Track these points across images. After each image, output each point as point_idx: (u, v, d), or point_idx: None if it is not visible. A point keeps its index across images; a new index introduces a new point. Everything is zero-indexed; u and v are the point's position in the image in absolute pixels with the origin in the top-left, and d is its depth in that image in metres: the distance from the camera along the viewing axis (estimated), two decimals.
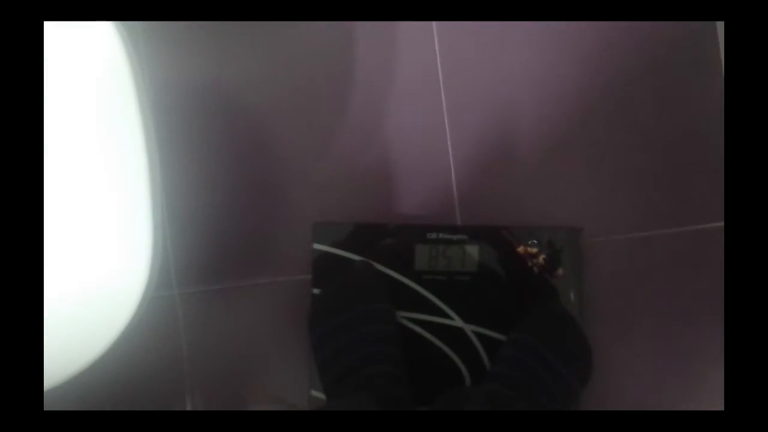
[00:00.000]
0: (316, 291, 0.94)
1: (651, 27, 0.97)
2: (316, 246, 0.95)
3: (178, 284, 0.97)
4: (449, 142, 0.97)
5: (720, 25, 0.97)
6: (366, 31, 0.98)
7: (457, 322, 0.94)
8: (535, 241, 0.94)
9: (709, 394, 0.96)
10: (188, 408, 0.96)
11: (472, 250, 0.94)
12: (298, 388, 0.96)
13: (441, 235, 0.94)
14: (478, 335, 0.94)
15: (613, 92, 0.97)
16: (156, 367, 0.96)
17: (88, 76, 0.63)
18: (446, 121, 0.97)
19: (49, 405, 0.57)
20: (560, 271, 0.94)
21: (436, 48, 0.98)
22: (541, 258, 0.94)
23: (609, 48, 0.98)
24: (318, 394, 0.94)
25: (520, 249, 0.94)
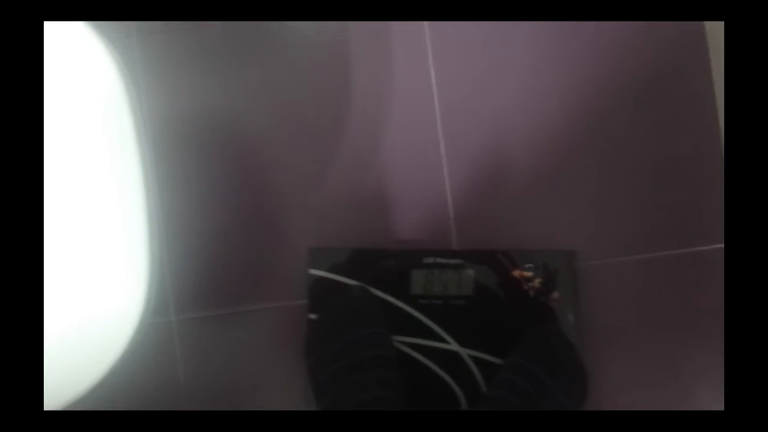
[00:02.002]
0: (312, 316, 0.95)
1: (643, 46, 0.98)
2: (313, 271, 0.95)
3: (175, 310, 0.97)
4: (445, 167, 0.98)
5: (710, 33, 0.98)
6: (360, 57, 0.99)
7: (453, 346, 0.94)
8: (531, 265, 0.94)
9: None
10: None
11: (468, 274, 0.94)
12: None
13: (437, 260, 0.95)
14: (474, 359, 0.94)
15: (607, 115, 0.98)
16: (153, 393, 0.96)
17: (86, 105, 0.64)
18: (442, 145, 0.98)
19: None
20: (556, 294, 0.94)
21: (432, 72, 0.99)
22: (537, 281, 0.94)
23: (601, 72, 0.99)
24: None
25: (516, 273, 0.94)
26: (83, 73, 0.64)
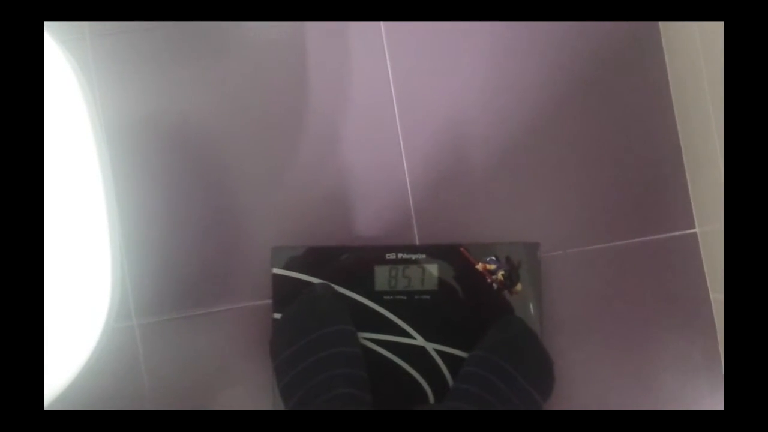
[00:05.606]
0: (276, 316, 0.94)
1: (599, 40, 1.00)
2: (276, 270, 0.95)
3: (136, 315, 0.96)
4: (404, 163, 0.98)
5: (663, 26, 0.99)
6: (318, 55, 0.99)
7: (419, 340, 0.94)
8: (494, 258, 0.95)
9: (668, 399, 0.97)
10: None
11: (432, 268, 0.95)
12: None
13: (400, 255, 0.95)
14: (440, 353, 0.94)
15: (565, 105, 0.99)
16: (117, 398, 0.95)
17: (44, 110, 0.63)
18: (401, 141, 0.98)
19: None
20: (519, 286, 0.95)
21: (389, 70, 0.99)
22: (500, 274, 0.95)
23: (557, 65, 0.99)
24: None
25: (479, 266, 0.95)
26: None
